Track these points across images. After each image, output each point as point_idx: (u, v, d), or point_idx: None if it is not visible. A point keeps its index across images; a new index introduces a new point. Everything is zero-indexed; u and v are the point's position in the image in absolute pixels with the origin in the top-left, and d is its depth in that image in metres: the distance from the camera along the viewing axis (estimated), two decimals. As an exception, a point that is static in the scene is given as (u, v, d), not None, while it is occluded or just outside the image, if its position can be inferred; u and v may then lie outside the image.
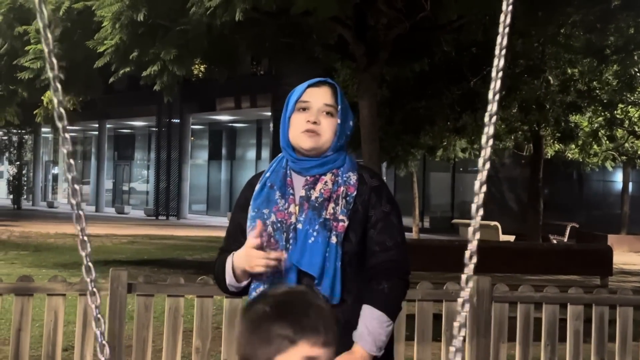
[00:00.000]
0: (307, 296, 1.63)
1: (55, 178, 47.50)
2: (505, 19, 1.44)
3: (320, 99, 2.65)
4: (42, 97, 19.87)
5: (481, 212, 1.41)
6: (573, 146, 19.85)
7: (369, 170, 2.78)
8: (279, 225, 2.59)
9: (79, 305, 4.92)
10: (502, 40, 1.46)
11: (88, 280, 1.51)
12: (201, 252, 17.78)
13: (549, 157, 20.61)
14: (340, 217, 2.56)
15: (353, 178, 2.63)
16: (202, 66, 16.07)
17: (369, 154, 11.13)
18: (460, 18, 11.56)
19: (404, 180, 27.35)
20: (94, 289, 1.48)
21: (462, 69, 15.38)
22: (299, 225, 2.57)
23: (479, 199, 1.41)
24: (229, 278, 2.61)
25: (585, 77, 16.70)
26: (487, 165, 1.43)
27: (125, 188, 42.89)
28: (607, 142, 19.66)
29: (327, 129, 2.62)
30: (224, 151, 38.03)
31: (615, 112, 17.61)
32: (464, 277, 1.37)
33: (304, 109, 2.64)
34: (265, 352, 1.55)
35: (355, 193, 2.60)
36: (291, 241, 2.56)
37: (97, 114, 35.19)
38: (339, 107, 2.66)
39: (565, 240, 21.91)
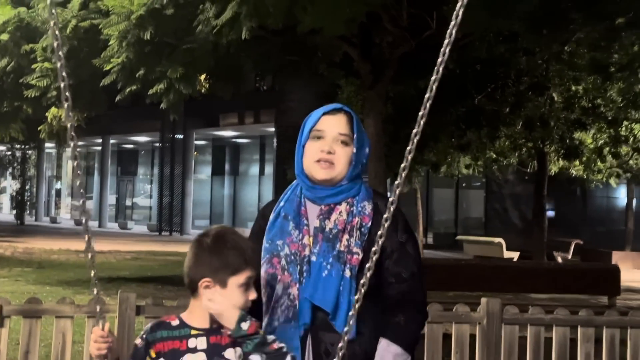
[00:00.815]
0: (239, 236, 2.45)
1: (58, 193, 47.53)
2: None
3: (335, 128, 2.58)
4: (47, 114, 19.92)
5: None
6: (577, 163, 19.83)
7: (384, 198, 2.69)
8: (292, 257, 2.53)
9: (87, 327, 4.89)
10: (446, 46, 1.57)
11: (97, 308, 1.58)
12: (205, 268, 17.73)
13: (553, 173, 20.58)
14: (355, 249, 2.50)
15: (368, 208, 2.57)
16: (206, 82, 16.10)
17: (374, 171, 11.12)
18: (465, 36, 11.57)
19: (407, 196, 27.33)
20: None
21: (467, 86, 15.40)
22: (313, 258, 2.51)
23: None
24: None
25: (589, 95, 16.69)
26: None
27: (129, 203, 42.91)
28: (612, 158, 19.64)
29: (342, 158, 2.56)
30: (227, 167, 38.05)
31: (619, 129, 17.59)
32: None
33: (319, 138, 2.58)
34: (223, 271, 2.34)
35: (370, 223, 2.54)
36: (305, 274, 2.50)
37: (100, 129, 35.25)
38: (355, 135, 2.60)
39: (570, 257, 21.85)
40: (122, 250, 21.91)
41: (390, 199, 1.81)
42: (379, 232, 1.94)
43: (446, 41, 1.46)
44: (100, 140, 40.17)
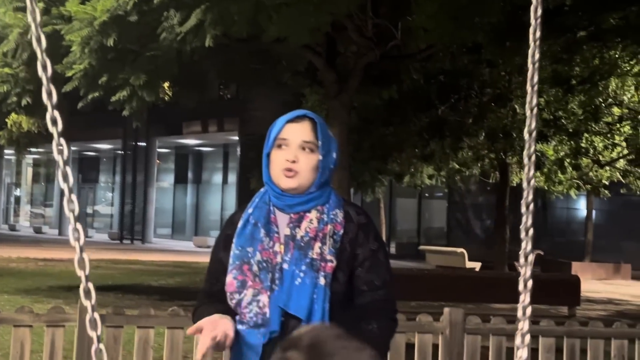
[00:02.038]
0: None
1: (17, 200, 46.90)
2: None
3: (299, 136, 2.55)
4: (7, 120, 19.67)
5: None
6: (538, 174, 20.03)
7: (355, 206, 2.70)
8: (263, 264, 2.51)
9: (46, 337, 4.81)
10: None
11: (88, 304, 1.43)
12: (167, 277, 17.60)
13: (514, 184, 20.79)
14: (328, 257, 2.49)
15: (340, 215, 2.55)
16: (169, 90, 16.02)
17: (338, 181, 11.13)
18: (429, 47, 11.66)
19: (370, 206, 27.41)
20: (95, 317, 1.41)
21: (430, 96, 15.51)
22: (285, 266, 2.49)
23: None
24: None
25: (551, 107, 16.89)
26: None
27: (90, 211, 42.47)
28: (572, 170, 19.88)
29: (307, 166, 2.53)
30: (190, 175, 37.86)
31: (580, 141, 17.82)
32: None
33: (283, 146, 2.55)
34: None
35: (342, 231, 2.53)
36: (277, 282, 2.48)
37: (61, 136, 34.83)
38: (320, 142, 2.56)
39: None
40: (83, 259, 21.64)
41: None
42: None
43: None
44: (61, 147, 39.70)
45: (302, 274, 2.47)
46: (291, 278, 2.47)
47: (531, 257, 1.42)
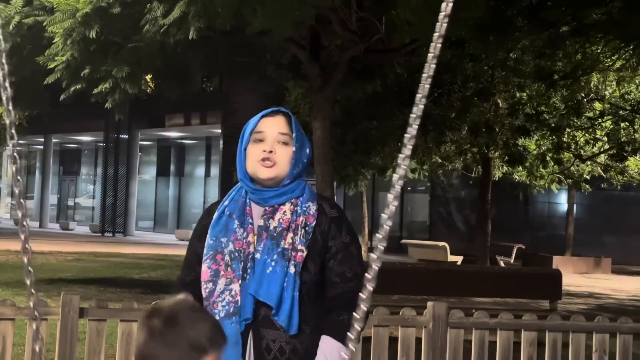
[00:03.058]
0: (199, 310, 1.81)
1: (-3, 192, 46.62)
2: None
3: (275, 128, 2.66)
4: (-13, 111, 19.50)
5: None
6: (520, 168, 20.14)
7: (329, 200, 2.79)
8: (236, 254, 2.58)
9: (29, 330, 4.78)
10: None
11: (31, 304, 1.54)
12: (149, 270, 17.54)
13: (497, 178, 20.88)
14: (299, 247, 2.56)
15: (312, 208, 2.64)
16: (152, 82, 15.95)
17: (322, 174, 11.12)
18: (413, 41, 11.66)
19: (353, 200, 27.45)
20: (36, 313, 1.47)
21: (414, 90, 15.46)
22: (257, 255, 2.56)
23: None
24: None
25: (533, 102, 16.97)
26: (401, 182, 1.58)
27: (71, 203, 42.25)
28: (554, 165, 19.98)
29: (283, 157, 2.63)
30: (172, 168, 37.74)
31: (562, 136, 17.91)
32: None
33: (260, 140, 2.65)
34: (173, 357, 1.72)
35: (314, 223, 2.61)
36: (249, 271, 2.55)
37: (42, 128, 34.62)
38: (294, 135, 2.67)
39: (512, 261, 22.16)
40: (64, 251, 21.54)
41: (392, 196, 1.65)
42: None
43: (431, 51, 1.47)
44: (42, 139, 39.50)
45: (273, 263, 2.54)
46: (262, 267, 2.55)
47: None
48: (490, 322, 5.35)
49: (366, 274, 1.57)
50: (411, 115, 1.53)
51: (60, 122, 34.91)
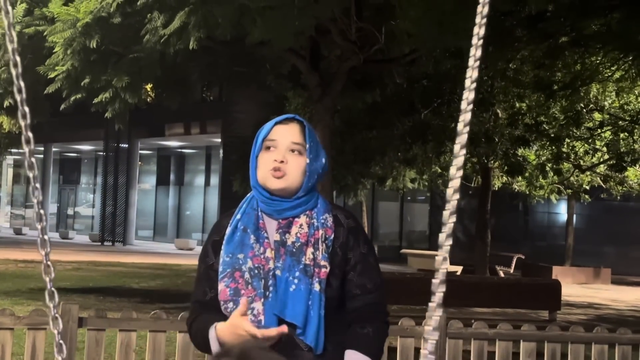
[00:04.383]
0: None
1: (-3, 202, 46.61)
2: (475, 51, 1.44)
3: (288, 137, 2.53)
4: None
5: (450, 241, 1.41)
6: (520, 178, 20.14)
7: (343, 210, 2.68)
8: (255, 271, 2.46)
9: (27, 340, 4.79)
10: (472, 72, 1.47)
11: (51, 305, 1.50)
12: (148, 279, 17.54)
13: (496, 188, 20.88)
14: (322, 262, 2.46)
15: (329, 220, 2.53)
16: (152, 91, 15.98)
17: (321, 184, 11.10)
18: (413, 52, 11.69)
19: (352, 209, 27.44)
20: (57, 315, 1.45)
21: (413, 100, 15.55)
22: (278, 272, 2.45)
23: (447, 228, 1.41)
24: (217, 348, 2.41)
25: (533, 112, 16.98)
26: (457, 196, 1.44)
27: (70, 212, 42.23)
28: (553, 175, 19.99)
29: (295, 168, 2.51)
30: (172, 177, 37.74)
31: (561, 146, 17.92)
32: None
33: (271, 148, 2.53)
34: None
35: (332, 236, 2.51)
36: (270, 288, 2.44)
37: (42, 137, 34.68)
38: (308, 145, 2.55)
39: (512, 271, 22.15)
40: (63, 261, 21.53)
41: (449, 210, 1.58)
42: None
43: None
44: (42, 148, 39.53)
45: (296, 281, 2.44)
46: (285, 285, 2.44)
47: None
48: (489, 332, 5.35)
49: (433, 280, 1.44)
50: (459, 122, 1.43)
51: (60, 131, 34.94)
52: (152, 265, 21.70)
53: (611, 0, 11.54)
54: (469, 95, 1.46)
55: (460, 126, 1.42)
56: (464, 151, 1.42)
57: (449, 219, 1.44)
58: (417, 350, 5.20)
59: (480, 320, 5.57)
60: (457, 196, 1.46)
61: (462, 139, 1.42)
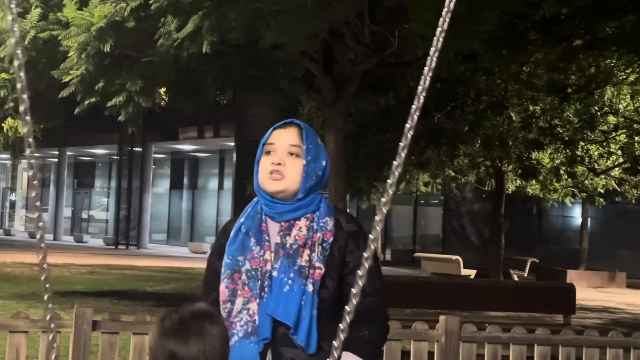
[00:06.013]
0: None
1: (12, 205, 46.81)
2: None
3: (285, 140, 2.60)
4: (3, 124, 19.66)
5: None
6: (534, 182, 20.09)
7: (346, 214, 2.72)
8: (253, 273, 2.53)
9: (42, 343, 4.81)
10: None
11: (47, 317, 1.55)
12: (162, 283, 17.57)
13: (510, 192, 20.82)
14: (317, 264, 2.51)
15: (330, 223, 2.58)
16: (165, 95, 16.03)
17: (334, 188, 11.13)
18: (426, 55, 11.66)
19: (365, 213, 27.41)
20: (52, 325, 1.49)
21: (427, 104, 15.52)
22: (274, 273, 2.51)
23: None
24: None
25: (547, 115, 16.94)
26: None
27: (85, 216, 42.39)
28: (567, 178, 19.92)
29: (292, 170, 2.57)
30: (185, 180, 37.84)
31: (575, 149, 17.86)
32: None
33: (271, 152, 2.60)
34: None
35: (331, 239, 2.55)
36: (266, 289, 2.50)
37: (57, 141, 34.85)
38: (305, 146, 2.60)
39: (526, 275, 22.07)
40: (78, 264, 21.61)
41: (377, 218, 1.69)
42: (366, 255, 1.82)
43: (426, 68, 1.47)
44: (56, 152, 39.70)
45: (290, 281, 2.49)
46: (280, 285, 2.50)
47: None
48: (503, 336, 5.33)
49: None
50: (406, 125, 1.51)
51: (74, 135, 35.12)
52: (166, 269, 21.75)
53: (625, 3, 11.50)
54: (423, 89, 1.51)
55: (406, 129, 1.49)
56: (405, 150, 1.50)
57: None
58: (431, 354, 5.20)
59: (494, 324, 5.54)
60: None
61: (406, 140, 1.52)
